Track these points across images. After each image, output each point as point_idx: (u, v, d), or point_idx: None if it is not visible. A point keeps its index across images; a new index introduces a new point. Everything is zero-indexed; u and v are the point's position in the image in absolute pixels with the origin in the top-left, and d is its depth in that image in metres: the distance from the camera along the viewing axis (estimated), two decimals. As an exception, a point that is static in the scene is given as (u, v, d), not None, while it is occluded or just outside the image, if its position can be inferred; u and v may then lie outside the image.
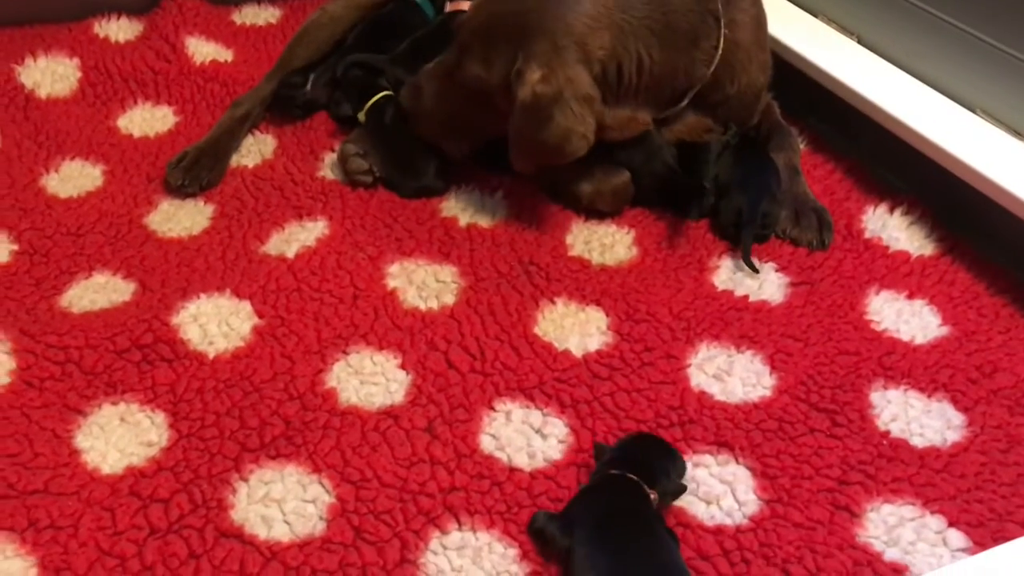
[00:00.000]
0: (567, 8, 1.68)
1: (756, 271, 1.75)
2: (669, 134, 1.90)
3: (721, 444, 1.45)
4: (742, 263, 1.76)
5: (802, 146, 2.07)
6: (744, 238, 1.77)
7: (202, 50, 2.32)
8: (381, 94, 1.96)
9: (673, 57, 1.77)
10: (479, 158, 1.95)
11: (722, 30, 1.79)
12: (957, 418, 1.51)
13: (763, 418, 1.49)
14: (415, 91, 1.89)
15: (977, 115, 1.90)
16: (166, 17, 2.40)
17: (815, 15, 2.25)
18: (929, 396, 1.55)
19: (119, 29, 2.39)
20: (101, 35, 2.37)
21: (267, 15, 2.55)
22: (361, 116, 1.96)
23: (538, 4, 1.70)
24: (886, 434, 1.48)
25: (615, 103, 1.76)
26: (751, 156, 1.91)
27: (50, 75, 2.20)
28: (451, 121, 1.86)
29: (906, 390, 1.56)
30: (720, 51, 1.80)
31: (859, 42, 2.14)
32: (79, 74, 2.23)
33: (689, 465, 1.41)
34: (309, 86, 2.08)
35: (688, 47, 1.78)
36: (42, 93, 2.16)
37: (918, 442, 1.47)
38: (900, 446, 1.46)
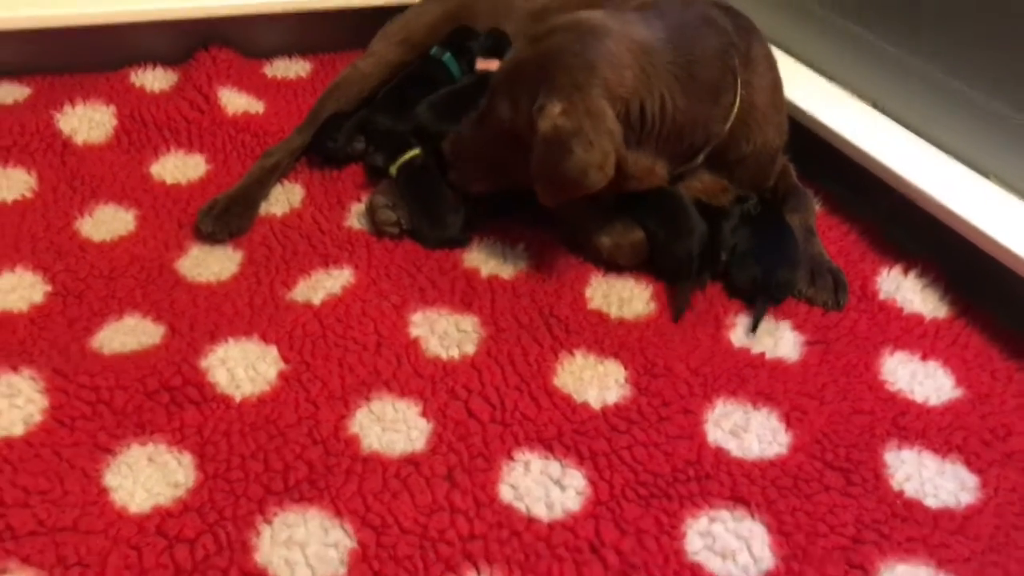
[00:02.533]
0: (587, 47, 1.73)
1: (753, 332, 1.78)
2: (686, 191, 1.94)
3: (737, 500, 1.47)
4: (753, 326, 1.79)
5: (818, 208, 2.11)
6: (758, 307, 1.80)
7: (234, 101, 2.39)
8: (413, 151, 2.02)
9: (695, 107, 1.80)
10: (501, 209, 2.01)
11: (739, 88, 1.85)
12: (971, 480, 1.53)
13: (779, 475, 1.51)
14: (456, 139, 1.95)
15: (990, 181, 1.94)
16: (200, 68, 2.48)
17: (832, 80, 2.31)
18: (943, 457, 1.57)
19: (155, 79, 2.47)
20: (137, 84, 2.44)
21: (298, 69, 2.63)
22: (392, 170, 2.01)
23: (560, 45, 1.76)
24: (900, 494, 1.50)
25: (637, 147, 1.79)
26: (768, 223, 1.93)
27: (87, 122, 2.27)
28: (489, 167, 1.91)
29: (920, 451, 1.57)
30: (737, 109, 1.85)
31: (875, 107, 2.19)
32: (115, 121, 2.29)
33: (705, 520, 1.43)
34: (342, 139, 2.15)
35: (709, 99, 1.82)
36: (79, 139, 2.23)
37: (932, 503, 1.49)
38: (914, 506, 1.48)
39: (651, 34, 1.78)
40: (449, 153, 1.96)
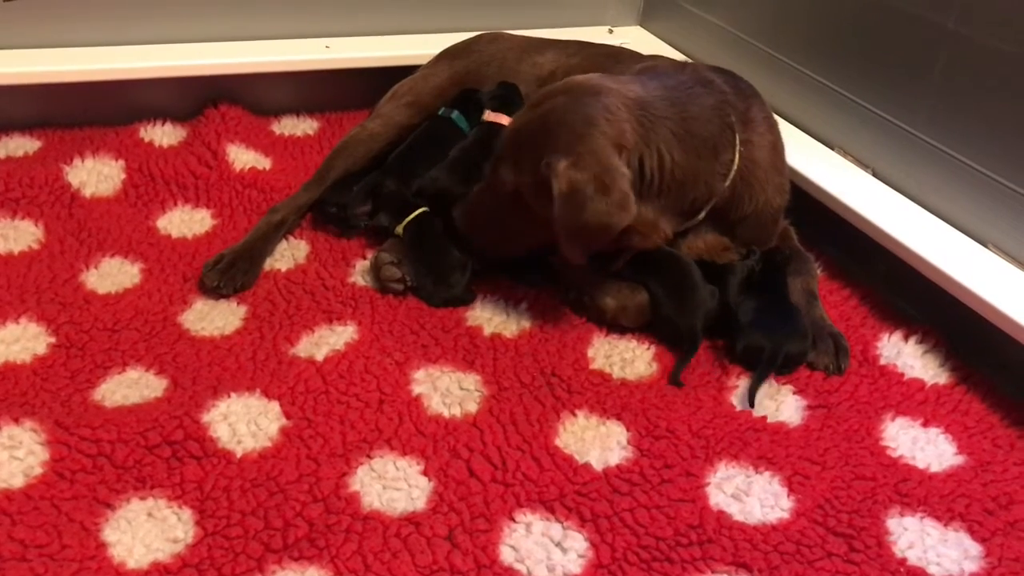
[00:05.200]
0: (584, 105, 1.78)
1: (752, 406, 1.76)
2: (688, 249, 1.96)
3: (740, 565, 1.46)
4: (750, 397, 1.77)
5: (819, 272, 2.13)
6: (758, 377, 1.79)
7: (242, 157, 2.41)
8: (419, 210, 2.04)
9: (694, 163, 1.84)
10: (508, 269, 2.02)
11: (738, 146, 1.88)
12: (974, 548, 1.52)
13: (781, 540, 1.50)
14: (466, 209, 1.97)
15: (988, 249, 1.96)
16: (209, 125, 2.51)
17: (831, 147, 2.35)
18: (946, 525, 1.56)
19: (163, 134, 2.51)
20: (146, 139, 2.48)
21: (305, 127, 2.67)
22: (399, 230, 2.03)
23: (558, 105, 1.80)
24: (903, 561, 1.49)
25: (639, 201, 1.80)
26: (771, 291, 1.93)
27: (96, 175, 2.29)
28: (501, 232, 1.93)
29: (922, 518, 1.57)
30: (736, 166, 1.88)
31: (874, 175, 2.23)
32: (123, 175, 2.32)
33: (707, 585, 1.42)
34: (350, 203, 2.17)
35: (708, 156, 1.86)
36: (87, 192, 2.25)
37: (936, 571, 1.48)
38: (918, 575, 1.47)
39: (646, 92, 1.84)
40: (461, 224, 1.98)
